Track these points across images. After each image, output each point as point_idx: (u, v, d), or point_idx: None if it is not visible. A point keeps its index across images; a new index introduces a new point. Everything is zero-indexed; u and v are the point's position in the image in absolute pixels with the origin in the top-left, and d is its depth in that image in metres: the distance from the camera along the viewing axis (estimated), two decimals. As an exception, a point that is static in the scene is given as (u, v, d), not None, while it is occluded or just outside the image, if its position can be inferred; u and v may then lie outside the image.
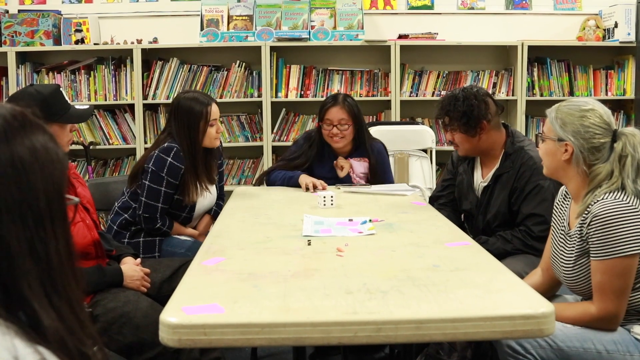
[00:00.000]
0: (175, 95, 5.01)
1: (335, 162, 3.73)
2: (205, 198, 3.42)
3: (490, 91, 4.23)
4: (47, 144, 0.98)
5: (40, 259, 0.95)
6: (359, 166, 3.74)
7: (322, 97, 5.18)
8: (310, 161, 3.76)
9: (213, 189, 3.48)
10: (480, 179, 3.19)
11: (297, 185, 3.63)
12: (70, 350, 0.94)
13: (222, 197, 3.62)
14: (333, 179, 3.73)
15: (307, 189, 3.55)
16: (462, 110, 3.03)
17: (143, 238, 3.27)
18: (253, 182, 4.05)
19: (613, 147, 2.17)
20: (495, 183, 3.09)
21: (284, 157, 3.89)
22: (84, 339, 0.97)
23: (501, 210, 3.06)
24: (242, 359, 3.40)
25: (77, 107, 2.69)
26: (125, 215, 3.29)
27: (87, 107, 2.78)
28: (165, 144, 3.23)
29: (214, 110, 3.30)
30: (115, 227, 3.26)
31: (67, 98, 2.63)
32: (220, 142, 3.54)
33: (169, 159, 3.19)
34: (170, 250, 3.25)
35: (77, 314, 0.98)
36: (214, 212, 3.53)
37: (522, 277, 2.59)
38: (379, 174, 3.74)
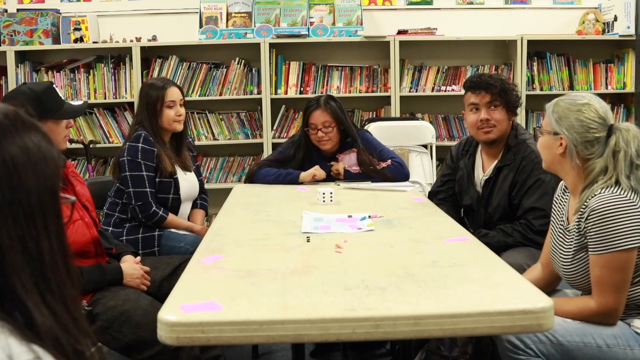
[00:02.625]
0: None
1: (331, 170, 3.70)
2: (188, 180, 3.49)
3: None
4: (40, 142, 0.98)
5: (33, 257, 0.94)
6: (349, 159, 3.73)
7: (322, 93, 5.17)
8: (299, 164, 3.75)
9: (192, 175, 3.55)
10: (482, 173, 3.18)
11: (294, 182, 3.64)
12: (65, 349, 0.94)
13: (205, 192, 3.74)
14: (326, 178, 3.72)
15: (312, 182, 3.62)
16: (509, 86, 3.10)
17: (142, 234, 3.30)
18: (244, 181, 4.01)
19: (608, 142, 2.17)
20: (497, 175, 3.08)
21: (270, 157, 3.91)
22: (79, 337, 0.97)
23: (502, 203, 3.05)
24: (242, 356, 3.40)
25: (71, 103, 2.70)
26: (116, 214, 3.35)
27: (81, 102, 2.79)
28: (134, 134, 3.36)
29: (170, 92, 3.41)
30: (110, 228, 3.28)
31: (60, 94, 2.64)
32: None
33: (140, 145, 3.30)
34: (170, 245, 3.28)
35: (71, 312, 0.98)
36: (201, 205, 3.66)
37: (523, 269, 2.60)
38: (374, 154, 3.71)
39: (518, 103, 3.10)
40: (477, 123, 3.08)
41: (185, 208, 3.53)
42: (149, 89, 3.43)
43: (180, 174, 3.44)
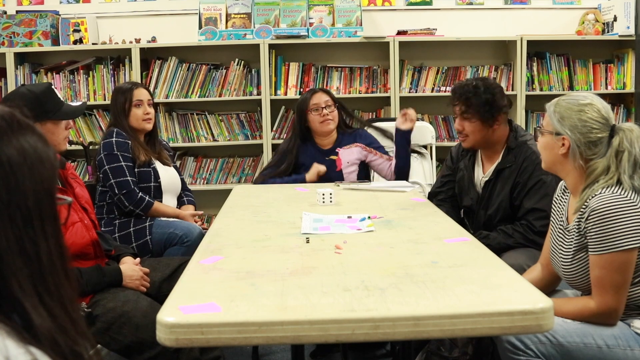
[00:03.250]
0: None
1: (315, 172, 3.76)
2: (167, 171, 3.60)
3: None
4: (36, 144, 0.98)
5: (31, 258, 0.94)
6: (349, 154, 3.78)
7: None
8: (295, 157, 3.83)
9: (171, 169, 3.68)
10: (482, 174, 3.17)
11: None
12: (63, 350, 0.94)
13: (188, 189, 3.89)
14: (324, 177, 3.78)
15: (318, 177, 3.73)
16: (485, 98, 3.02)
17: (133, 227, 3.38)
18: (253, 181, 4.09)
19: (610, 142, 2.16)
20: (497, 177, 3.07)
21: (270, 163, 3.98)
22: (77, 339, 0.96)
23: (503, 205, 3.05)
24: (242, 357, 3.40)
25: (70, 103, 2.70)
26: (104, 215, 3.44)
27: (80, 102, 2.80)
28: (108, 132, 3.53)
29: (137, 92, 3.58)
30: (102, 228, 3.29)
31: (59, 96, 2.64)
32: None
33: (114, 139, 3.44)
34: (160, 232, 3.36)
35: (69, 314, 0.97)
36: (188, 201, 3.77)
37: (523, 270, 2.59)
38: (379, 149, 3.86)
39: (496, 113, 3.03)
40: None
41: (169, 201, 3.60)
42: (117, 94, 3.61)
43: (159, 165, 3.56)
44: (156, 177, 3.50)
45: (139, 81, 5.06)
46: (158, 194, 3.51)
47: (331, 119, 3.77)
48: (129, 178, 3.38)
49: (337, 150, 3.81)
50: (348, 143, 3.83)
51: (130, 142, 3.46)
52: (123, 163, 3.39)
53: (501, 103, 3.05)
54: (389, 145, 4.00)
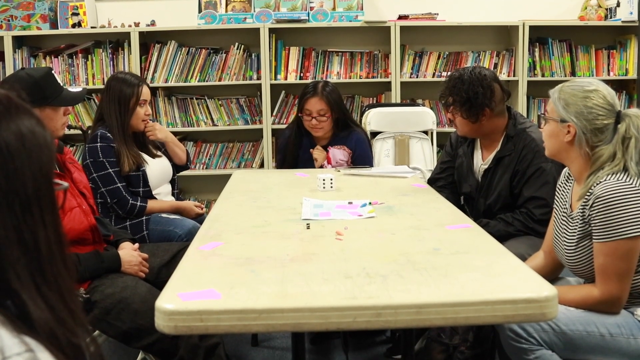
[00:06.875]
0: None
1: (311, 150, 3.77)
2: (158, 165, 3.50)
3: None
4: (34, 128, 0.95)
5: (29, 247, 0.92)
6: (339, 154, 3.78)
7: (322, 79, 5.13)
8: (294, 152, 3.84)
9: (160, 160, 3.55)
10: (481, 161, 3.15)
11: None
12: (60, 342, 0.92)
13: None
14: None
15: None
16: (466, 95, 2.95)
17: (130, 222, 3.33)
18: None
19: (616, 128, 2.14)
20: (497, 166, 3.05)
21: (277, 163, 4.03)
22: (75, 330, 0.95)
23: (503, 194, 3.02)
24: (242, 343, 3.39)
25: (70, 89, 2.66)
26: (100, 210, 3.32)
27: (80, 89, 2.76)
28: (91, 135, 3.35)
29: (145, 91, 3.41)
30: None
31: (59, 81, 2.60)
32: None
33: (98, 144, 3.28)
34: (159, 229, 3.30)
35: (67, 304, 0.95)
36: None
37: (524, 259, 2.57)
38: (358, 164, 3.79)
39: (478, 110, 2.97)
40: None
41: (163, 190, 3.55)
42: (122, 85, 3.36)
43: (150, 162, 3.45)
44: (145, 182, 3.39)
45: (138, 65, 5.03)
46: (147, 195, 3.42)
47: (320, 128, 3.72)
48: (118, 185, 3.28)
49: (328, 149, 3.80)
50: (340, 143, 3.80)
51: (115, 145, 3.30)
52: (110, 170, 3.27)
53: (484, 100, 2.95)
54: (393, 131, 3.99)
